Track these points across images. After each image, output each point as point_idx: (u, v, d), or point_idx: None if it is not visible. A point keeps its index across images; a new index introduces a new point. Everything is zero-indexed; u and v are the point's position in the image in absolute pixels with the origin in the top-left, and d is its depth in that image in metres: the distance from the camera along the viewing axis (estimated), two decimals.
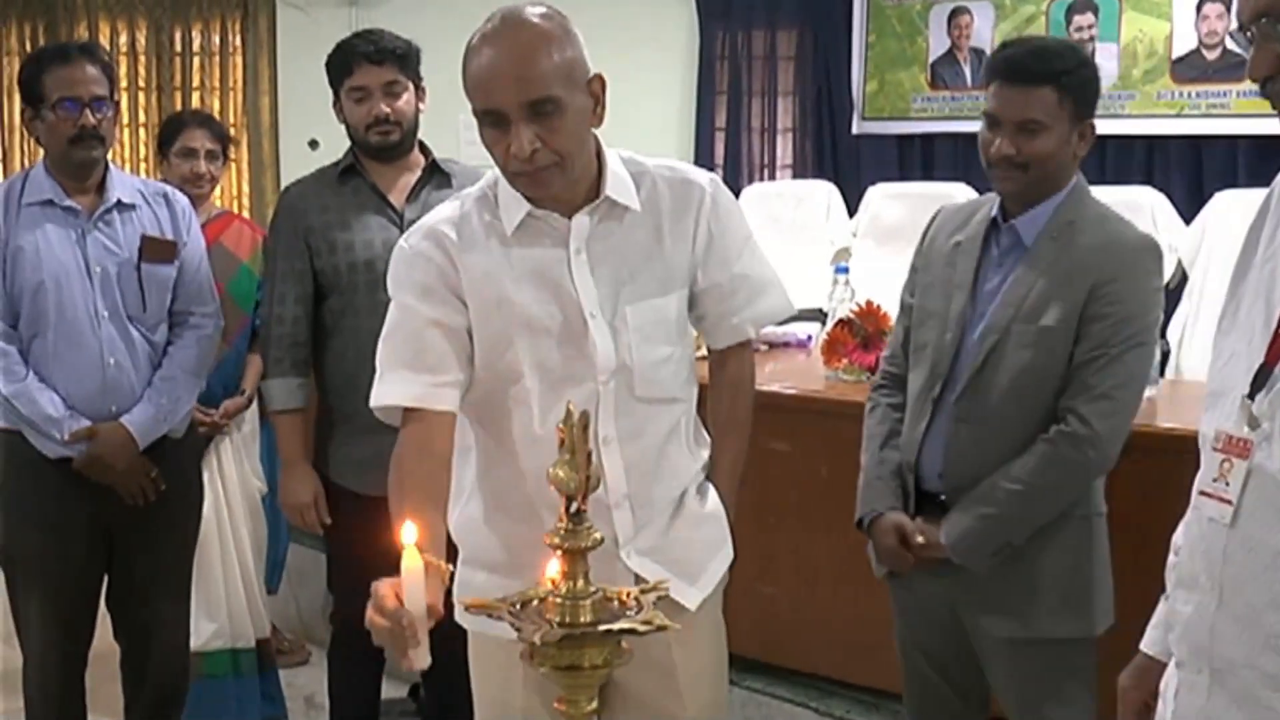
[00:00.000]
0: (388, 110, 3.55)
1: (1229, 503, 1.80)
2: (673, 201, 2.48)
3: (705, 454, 2.63)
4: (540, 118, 2.23)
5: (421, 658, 1.99)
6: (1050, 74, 2.76)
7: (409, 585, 1.88)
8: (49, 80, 3.38)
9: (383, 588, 1.98)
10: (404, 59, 3.59)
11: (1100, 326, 2.75)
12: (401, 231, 3.30)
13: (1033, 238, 2.85)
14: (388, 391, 2.38)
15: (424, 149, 3.73)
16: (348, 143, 3.71)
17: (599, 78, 2.33)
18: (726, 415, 2.70)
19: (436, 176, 3.68)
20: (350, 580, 3.75)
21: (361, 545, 3.64)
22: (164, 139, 4.36)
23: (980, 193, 5.89)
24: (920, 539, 2.89)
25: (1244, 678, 1.77)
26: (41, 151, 3.54)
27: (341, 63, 3.59)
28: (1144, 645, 2.13)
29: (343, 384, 3.57)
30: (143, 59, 8.05)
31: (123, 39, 8.01)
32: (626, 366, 2.43)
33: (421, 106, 3.67)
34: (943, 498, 2.90)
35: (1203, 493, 1.86)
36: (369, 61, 3.54)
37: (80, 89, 3.38)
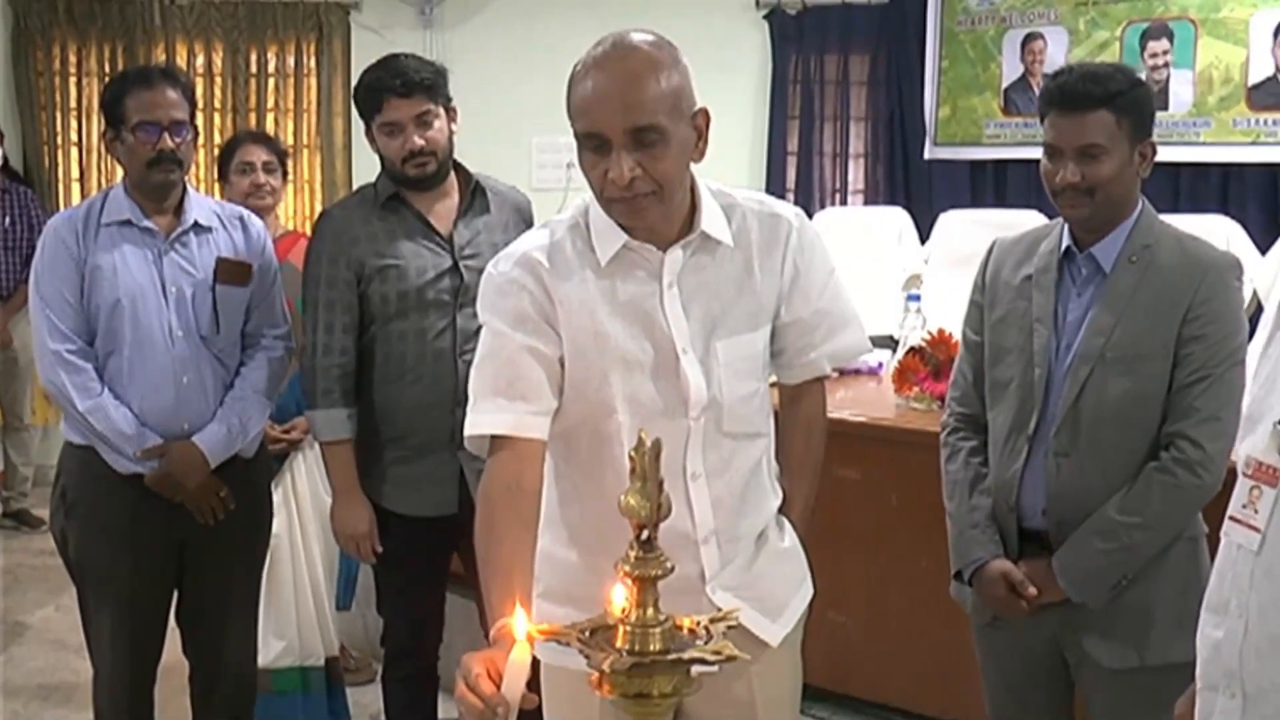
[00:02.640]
0: (421, 143, 3.51)
1: (1257, 530, 1.80)
2: (762, 235, 2.46)
3: (778, 491, 2.61)
4: (643, 146, 2.21)
5: None
6: (1104, 96, 2.75)
7: (512, 677, 1.81)
8: (130, 103, 3.42)
9: (475, 664, 1.90)
10: (432, 88, 3.53)
11: (1200, 348, 2.73)
12: (453, 257, 3.56)
13: (1111, 263, 2.82)
14: (482, 421, 2.33)
15: (459, 169, 3.71)
16: None
17: (704, 111, 2.30)
18: (801, 453, 2.66)
19: (479, 199, 3.68)
20: (400, 605, 3.78)
21: (411, 569, 3.70)
22: (223, 160, 4.44)
23: (1053, 219, 5.92)
24: (1032, 590, 2.83)
25: (1275, 702, 1.76)
26: (119, 171, 3.58)
27: (370, 98, 3.54)
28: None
29: (391, 408, 3.58)
30: (218, 80, 8.15)
31: (199, 60, 8.11)
32: (717, 402, 2.40)
33: (454, 128, 3.64)
34: (1047, 534, 2.85)
35: (1232, 518, 1.86)
36: (397, 96, 3.49)
37: (160, 113, 3.42)
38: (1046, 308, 2.86)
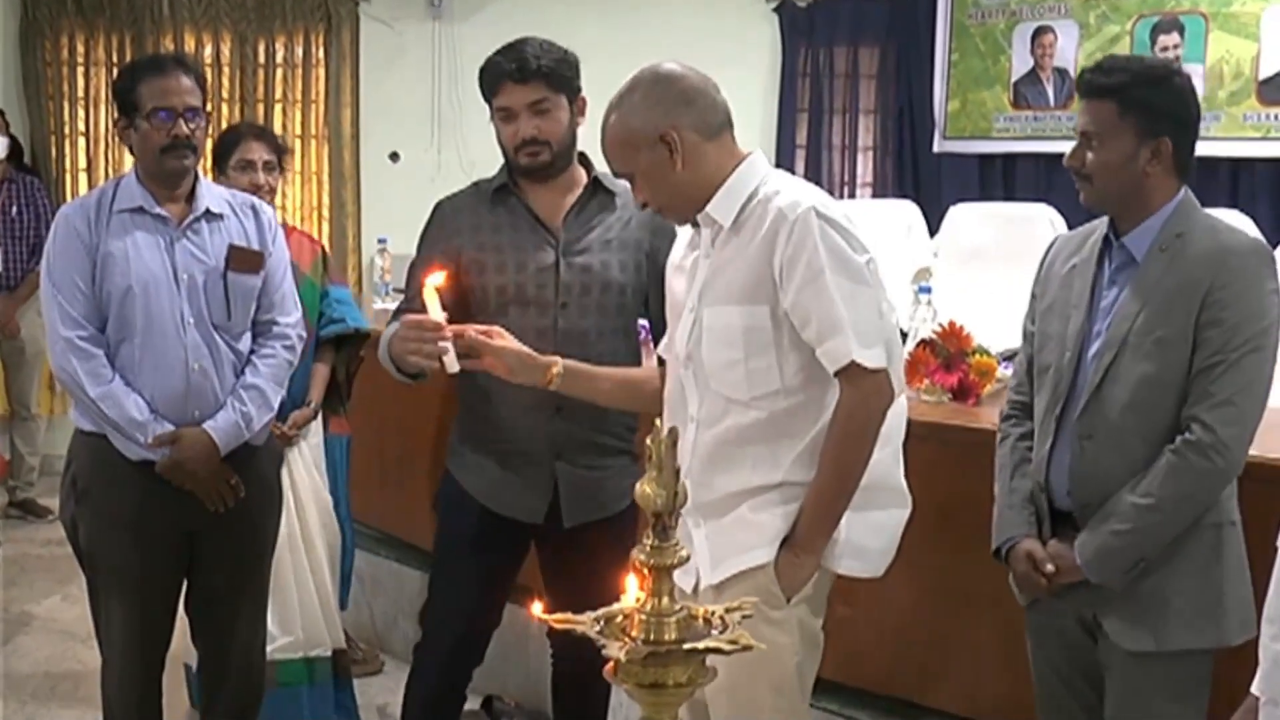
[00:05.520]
0: (534, 131, 3.37)
1: None
2: (762, 226, 2.75)
3: (793, 477, 2.76)
4: (633, 180, 2.91)
5: (452, 362, 3.02)
6: (1110, 88, 2.80)
7: (430, 304, 2.96)
8: (144, 90, 3.42)
9: (409, 317, 2.96)
10: (551, 74, 3.37)
11: (1215, 333, 2.74)
12: (558, 254, 3.43)
13: (1143, 252, 2.85)
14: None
15: (586, 162, 3.55)
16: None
17: (670, 129, 2.80)
18: (824, 443, 2.77)
19: (600, 195, 3.51)
20: (452, 596, 3.64)
21: (476, 560, 3.62)
22: (220, 153, 4.38)
23: (1062, 213, 5.92)
24: (1050, 566, 2.88)
25: None
26: (126, 161, 3.58)
27: (488, 82, 3.42)
28: (1254, 687, 2.09)
29: (491, 409, 3.45)
30: (226, 71, 8.15)
31: (207, 51, 8.12)
32: (698, 359, 2.85)
33: (580, 120, 3.48)
34: (1074, 515, 2.90)
35: None
36: (513, 81, 3.36)
37: (174, 99, 3.42)
38: (1083, 295, 2.92)
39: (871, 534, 2.85)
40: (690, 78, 2.86)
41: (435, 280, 3.08)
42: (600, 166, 3.26)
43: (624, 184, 3.39)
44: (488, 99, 3.45)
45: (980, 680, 3.67)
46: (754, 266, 2.75)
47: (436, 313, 3.07)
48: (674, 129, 2.79)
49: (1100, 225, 2.97)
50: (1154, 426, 2.79)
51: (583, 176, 3.53)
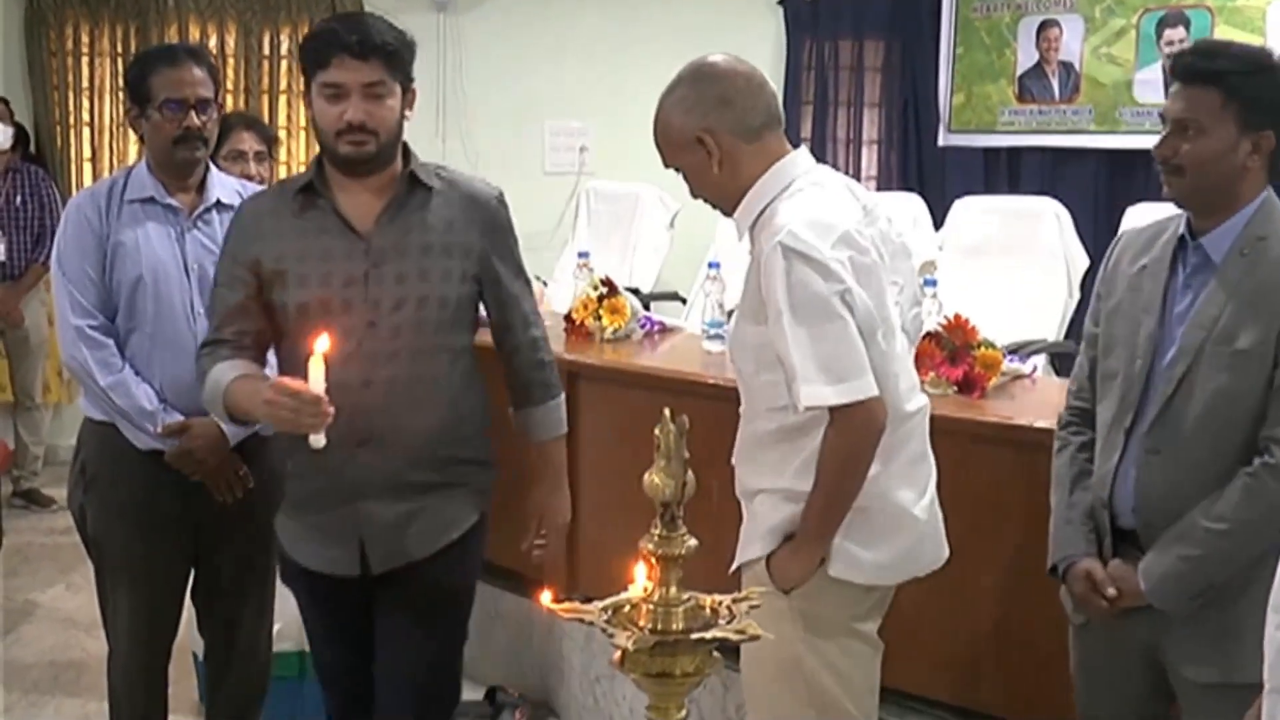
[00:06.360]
0: (363, 117, 2.91)
1: None
2: (758, 247, 2.76)
3: (796, 485, 2.77)
4: (682, 174, 2.87)
5: (319, 439, 2.70)
6: (1214, 74, 2.60)
7: (314, 372, 2.63)
8: (155, 81, 3.42)
9: (285, 381, 2.72)
10: (393, 56, 2.95)
11: None
12: (367, 263, 2.98)
13: (1221, 255, 2.66)
14: None
15: (406, 154, 3.10)
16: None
17: (706, 132, 2.77)
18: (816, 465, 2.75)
19: (418, 192, 3.05)
20: (333, 677, 3.34)
21: (326, 632, 3.31)
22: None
23: (1067, 206, 5.92)
24: (1112, 590, 2.72)
25: None
26: (131, 151, 3.58)
27: (318, 51, 2.95)
28: (1264, 676, 2.07)
29: (292, 443, 2.97)
30: (231, 61, 8.15)
31: (212, 42, 8.10)
32: (734, 364, 2.94)
33: (408, 114, 3.07)
34: (1138, 534, 2.75)
35: None
36: (351, 55, 2.90)
37: (186, 90, 3.42)
38: (1155, 298, 2.74)
39: (864, 547, 2.79)
40: (733, 77, 2.79)
41: (322, 346, 2.66)
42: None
43: (456, 177, 3.14)
44: (312, 71, 2.97)
45: (980, 675, 3.67)
46: (755, 288, 2.74)
47: (319, 383, 2.67)
48: (709, 132, 2.76)
49: (1173, 223, 2.79)
50: (1228, 444, 2.62)
51: (400, 172, 3.06)
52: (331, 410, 2.70)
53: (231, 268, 3.05)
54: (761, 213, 2.77)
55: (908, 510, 2.83)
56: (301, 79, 3.06)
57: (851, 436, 2.66)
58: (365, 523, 3.04)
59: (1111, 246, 2.94)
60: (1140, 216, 5.13)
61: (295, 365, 2.86)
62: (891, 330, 2.76)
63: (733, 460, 2.93)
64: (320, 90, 2.95)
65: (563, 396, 3.29)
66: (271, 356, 3.15)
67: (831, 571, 2.79)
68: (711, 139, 2.76)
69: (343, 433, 2.81)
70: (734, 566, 2.90)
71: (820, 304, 2.60)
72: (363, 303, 2.97)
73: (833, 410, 2.63)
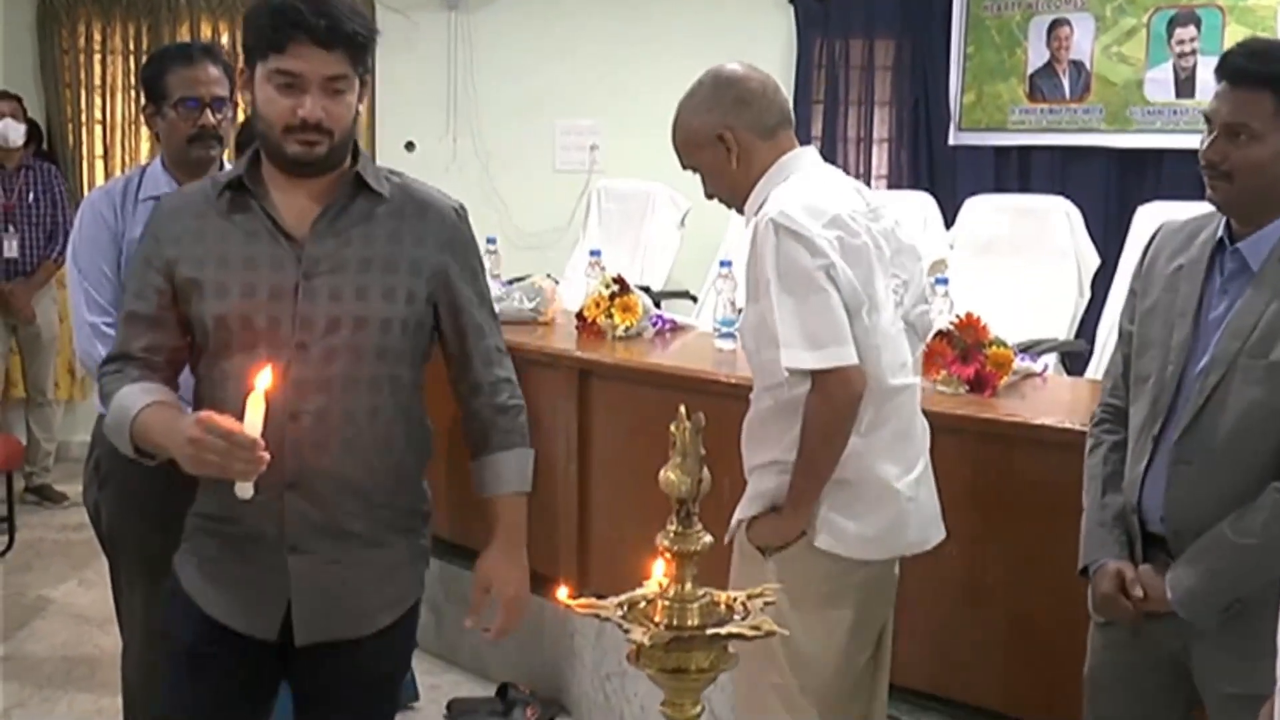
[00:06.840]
0: (320, 115, 2.49)
1: None
2: (751, 231, 2.94)
3: (785, 456, 2.94)
4: (700, 173, 3.11)
5: (247, 489, 2.34)
6: (1266, 76, 2.52)
7: (251, 412, 2.28)
8: (171, 79, 3.43)
9: (215, 418, 2.32)
10: (361, 49, 2.53)
11: None
12: (298, 274, 2.54)
13: (1260, 262, 2.60)
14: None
15: (355, 151, 2.66)
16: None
17: (726, 129, 2.99)
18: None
19: (363, 196, 2.62)
20: None
21: (214, 694, 2.70)
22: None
23: (1078, 205, 5.92)
24: (1139, 591, 2.67)
25: None
26: (143, 149, 3.58)
27: (275, 31, 2.48)
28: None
29: (208, 480, 2.61)
30: (241, 59, 8.12)
31: (223, 40, 8.10)
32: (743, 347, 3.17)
33: (361, 109, 2.65)
34: (1167, 540, 2.69)
35: None
36: (315, 43, 2.46)
37: (201, 89, 3.43)
38: (1190, 302, 2.67)
39: (849, 519, 2.94)
40: (749, 81, 3.04)
41: (264, 382, 2.28)
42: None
43: (398, 183, 2.70)
44: (262, 52, 2.53)
45: (990, 673, 3.68)
46: (752, 268, 2.95)
47: (255, 425, 2.28)
48: (729, 129, 3.00)
49: (1211, 223, 2.72)
50: (1259, 456, 2.55)
51: (345, 172, 2.63)
52: (267, 457, 2.31)
53: (144, 273, 2.63)
54: (764, 200, 2.96)
55: (890, 484, 2.96)
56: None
57: (830, 402, 2.85)
58: (295, 580, 2.60)
59: (1149, 242, 2.88)
60: (1150, 215, 5.16)
61: (213, 390, 2.58)
62: (877, 308, 2.90)
63: (741, 442, 3.09)
64: (271, 76, 2.50)
65: (530, 452, 2.80)
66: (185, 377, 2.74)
67: (817, 542, 2.94)
68: (731, 135, 3.00)
69: (268, 473, 2.37)
70: (727, 537, 3.03)
71: (805, 277, 2.81)
72: (291, 321, 2.53)
73: (814, 377, 2.83)
